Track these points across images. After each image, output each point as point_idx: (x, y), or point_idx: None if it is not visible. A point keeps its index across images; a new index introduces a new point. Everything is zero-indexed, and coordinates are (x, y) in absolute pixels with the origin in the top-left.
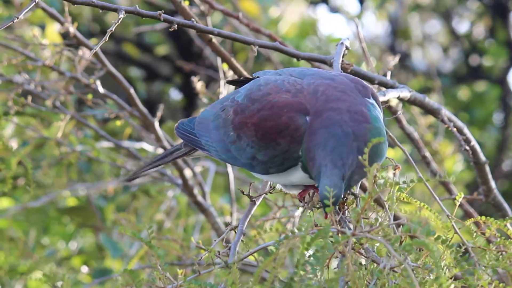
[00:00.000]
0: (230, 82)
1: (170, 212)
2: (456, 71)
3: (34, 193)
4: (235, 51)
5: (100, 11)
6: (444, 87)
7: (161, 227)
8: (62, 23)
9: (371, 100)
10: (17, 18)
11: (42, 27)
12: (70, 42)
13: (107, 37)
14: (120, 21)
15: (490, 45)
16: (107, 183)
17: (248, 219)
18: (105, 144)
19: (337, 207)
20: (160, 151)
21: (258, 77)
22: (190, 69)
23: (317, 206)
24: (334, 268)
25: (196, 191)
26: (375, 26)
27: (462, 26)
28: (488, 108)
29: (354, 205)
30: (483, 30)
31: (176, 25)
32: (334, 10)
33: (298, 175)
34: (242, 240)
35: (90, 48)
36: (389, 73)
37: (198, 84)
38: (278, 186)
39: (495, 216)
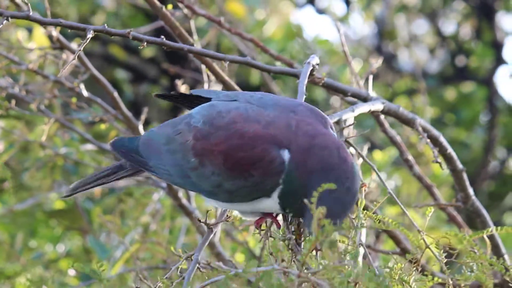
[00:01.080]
0: (159, 96)
1: (155, 214)
2: (442, 72)
3: (21, 196)
4: (222, 52)
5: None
6: (430, 88)
7: (147, 230)
8: (45, 27)
9: (333, 132)
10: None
11: (30, 29)
12: (56, 45)
13: (77, 53)
14: (88, 40)
15: (477, 46)
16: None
17: (204, 247)
18: (90, 147)
19: (295, 239)
20: None
21: (198, 96)
22: (176, 72)
23: (273, 235)
24: None
25: (181, 194)
26: (361, 27)
27: (448, 27)
28: (474, 109)
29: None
30: (470, 31)
31: (145, 43)
32: (321, 11)
33: (265, 204)
34: (198, 268)
35: (73, 52)
36: (370, 77)
37: (182, 88)
38: (235, 213)
39: (475, 221)
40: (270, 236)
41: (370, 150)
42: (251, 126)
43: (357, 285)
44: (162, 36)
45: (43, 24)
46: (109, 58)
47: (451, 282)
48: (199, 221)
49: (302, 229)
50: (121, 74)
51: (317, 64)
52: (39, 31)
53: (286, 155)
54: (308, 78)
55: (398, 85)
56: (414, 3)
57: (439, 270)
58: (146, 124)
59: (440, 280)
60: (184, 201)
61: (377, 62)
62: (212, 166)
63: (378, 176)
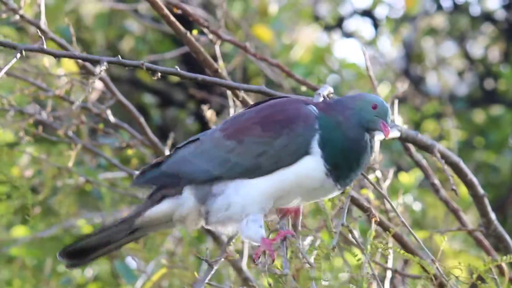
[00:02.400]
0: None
1: (180, 240)
2: (471, 95)
3: (48, 221)
4: (246, 78)
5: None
6: (459, 111)
7: (173, 254)
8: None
9: None
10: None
11: None
12: (83, 72)
13: (93, 82)
14: (102, 71)
15: (505, 69)
16: (121, 211)
17: (204, 283)
18: (118, 173)
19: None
20: None
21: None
22: (202, 97)
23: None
24: None
25: None
26: (390, 50)
27: (476, 50)
28: (503, 132)
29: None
30: (498, 54)
31: (159, 74)
32: (349, 35)
33: (308, 164)
34: None
35: (100, 78)
36: (396, 101)
37: (208, 113)
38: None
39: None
40: (266, 269)
41: (396, 173)
42: (275, 100)
43: None
44: (176, 67)
45: (57, 56)
46: (136, 82)
47: None
48: (199, 258)
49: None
50: (149, 99)
51: (332, 93)
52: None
53: (314, 108)
54: None
55: (426, 108)
56: (442, 26)
57: None
58: (173, 148)
59: None
60: None
61: (403, 86)
62: (251, 137)
63: (390, 204)
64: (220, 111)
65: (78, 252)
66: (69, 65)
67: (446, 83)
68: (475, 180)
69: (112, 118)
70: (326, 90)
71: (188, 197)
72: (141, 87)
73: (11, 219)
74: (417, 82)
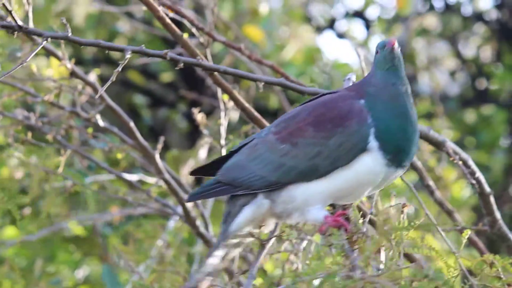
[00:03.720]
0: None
1: (170, 243)
2: (463, 95)
3: (40, 223)
4: (237, 79)
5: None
6: (450, 110)
7: (163, 257)
8: (60, 60)
9: None
10: (25, 61)
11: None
12: (71, 77)
13: (114, 77)
14: (126, 60)
15: (497, 69)
16: (111, 214)
17: (258, 263)
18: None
19: (348, 245)
20: (161, 182)
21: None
22: (193, 98)
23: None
24: None
25: (198, 222)
26: None
27: (468, 50)
28: (495, 132)
29: (363, 244)
30: (490, 54)
31: (182, 64)
32: (341, 35)
33: (365, 162)
34: (252, 285)
35: (89, 84)
36: None
37: (199, 116)
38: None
39: (500, 244)
40: (331, 245)
41: None
42: (325, 98)
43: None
44: (198, 57)
45: (82, 44)
46: (127, 83)
47: None
48: (252, 236)
49: (356, 237)
50: (140, 99)
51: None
52: (55, 60)
53: (364, 101)
54: None
55: (418, 109)
56: (434, 27)
57: None
58: (165, 150)
59: None
60: (202, 229)
61: None
62: (305, 139)
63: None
64: (211, 112)
65: None
66: (58, 68)
67: (437, 83)
68: (482, 178)
69: (101, 123)
70: (353, 77)
71: (262, 201)
72: (131, 87)
73: (0, 221)
74: (409, 82)
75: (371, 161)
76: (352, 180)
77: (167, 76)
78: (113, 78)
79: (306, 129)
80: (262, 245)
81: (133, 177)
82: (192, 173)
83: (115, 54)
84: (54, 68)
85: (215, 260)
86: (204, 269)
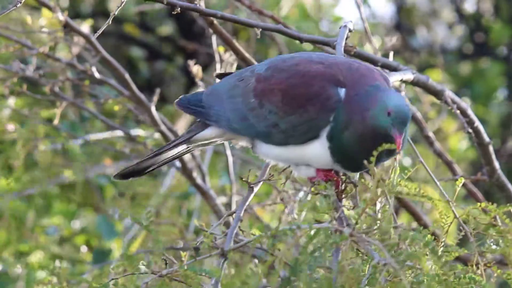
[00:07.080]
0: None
1: (169, 195)
2: (461, 48)
3: (34, 175)
4: (236, 31)
5: None
6: (448, 64)
7: (160, 210)
8: (52, 11)
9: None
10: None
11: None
12: (66, 30)
13: (110, 21)
14: (123, 4)
15: (495, 23)
16: (105, 166)
17: (246, 205)
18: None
19: (336, 196)
20: (157, 135)
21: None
22: (193, 49)
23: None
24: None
25: (195, 173)
26: (383, 5)
27: (467, 3)
28: (490, 84)
29: (352, 194)
30: (489, 7)
31: (179, 8)
32: None
33: (315, 149)
34: (239, 227)
35: (83, 35)
36: (391, 54)
37: (194, 68)
38: (289, 167)
39: (498, 196)
40: (317, 193)
41: None
42: (313, 66)
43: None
44: (196, 2)
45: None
46: (124, 36)
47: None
48: (241, 179)
49: (344, 186)
50: (137, 52)
51: (350, 31)
52: (47, 12)
53: (342, 93)
54: None
55: (415, 62)
56: None
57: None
58: (162, 103)
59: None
60: (199, 180)
61: (391, 40)
62: (270, 104)
63: (413, 148)
64: (207, 65)
65: (131, 174)
66: (50, 19)
67: (436, 36)
68: (481, 127)
69: (97, 75)
70: (350, 25)
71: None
72: (128, 40)
73: None
74: (408, 36)
75: (319, 151)
76: (303, 159)
77: (164, 29)
78: (109, 21)
79: (276, 94)
80: (251, 188)
81: (129, 131)
82: (218, 76)
83: (113, 7)
84: (47, 18)
85: None
86: None
